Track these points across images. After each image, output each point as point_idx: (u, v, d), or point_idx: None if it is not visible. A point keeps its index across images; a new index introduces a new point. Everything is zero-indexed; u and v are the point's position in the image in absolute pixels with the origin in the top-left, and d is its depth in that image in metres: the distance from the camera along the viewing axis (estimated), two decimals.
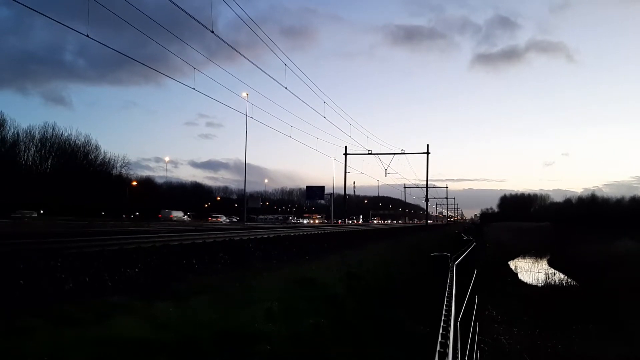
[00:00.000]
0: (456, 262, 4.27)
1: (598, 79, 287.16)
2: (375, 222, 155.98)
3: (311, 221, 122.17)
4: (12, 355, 5.85)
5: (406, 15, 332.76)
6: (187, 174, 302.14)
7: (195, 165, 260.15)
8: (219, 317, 8.38)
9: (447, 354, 1.80)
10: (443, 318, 2.21)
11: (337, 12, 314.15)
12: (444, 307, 2.48)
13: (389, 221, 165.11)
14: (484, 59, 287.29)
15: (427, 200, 75.03)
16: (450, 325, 2.07)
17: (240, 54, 25.35)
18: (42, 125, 76.57)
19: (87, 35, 15.85)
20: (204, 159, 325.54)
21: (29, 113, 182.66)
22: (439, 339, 1.88)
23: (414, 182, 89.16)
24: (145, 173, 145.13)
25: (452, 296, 2.84)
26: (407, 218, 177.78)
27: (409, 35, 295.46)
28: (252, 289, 11.13)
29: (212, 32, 19.83)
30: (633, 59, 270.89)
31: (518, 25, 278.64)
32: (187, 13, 17.80)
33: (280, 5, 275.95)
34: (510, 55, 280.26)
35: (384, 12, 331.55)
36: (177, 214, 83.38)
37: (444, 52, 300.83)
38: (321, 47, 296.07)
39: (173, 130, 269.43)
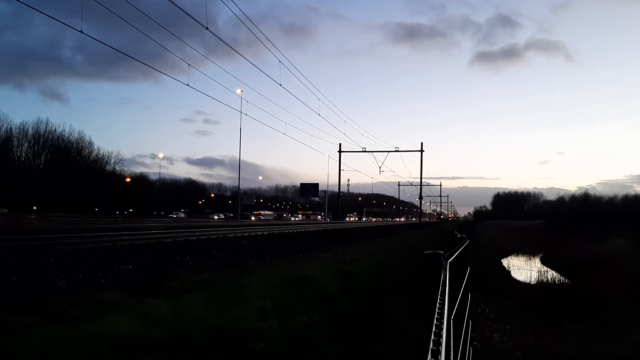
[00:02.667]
0: (449, 260, 4.28)
1: (596, 78, 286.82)
2: (351, 219, 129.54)
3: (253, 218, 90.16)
4: (4, 352, 5.82)
5: (408, 14, 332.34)
6: (183, 171, 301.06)
7: (190, 162, 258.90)
8: (212, 315, 8.38)
9: (439, 352, 1.81)
10: (436, 316, 2.22)
11: (339, 10, 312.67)
12: (437, 305, 2.49)
13: (373, 219, 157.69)
14: (484, 58, 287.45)
15: (420, 198, 75.33)
16: (443, 324, 2.08)
17: (235, 50, 25.26)
18: (35, 121, 76.23)
19: (81, 31, 15.77)
20: (200, 155, 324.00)
21: (26, 109, 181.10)
22: (432, 337, 1.89)
23: (408, 180, 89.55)
24: (140, 169, 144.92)
25: (445, 294, 2.85)
26: (410, 216, 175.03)
27: (410, 34, 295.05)
28: (245, 287, 11.12)
29: (207, 28, 19.77)
30: (632, 58, 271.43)
31: (519, 24, 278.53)
32: (182, 10, 17.74)
33: (281, 3, 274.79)
34: (510, 54, 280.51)
35: (386, 10, 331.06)
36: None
37: (444, 50, 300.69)
38: (321, 45, 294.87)
39: (170, 127, 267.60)
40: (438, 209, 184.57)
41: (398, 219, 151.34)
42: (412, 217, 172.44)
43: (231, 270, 13.46)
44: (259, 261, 15.83)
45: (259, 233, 22.61)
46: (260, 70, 26.38)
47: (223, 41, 22.85)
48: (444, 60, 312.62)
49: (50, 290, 8.49)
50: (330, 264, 17.14)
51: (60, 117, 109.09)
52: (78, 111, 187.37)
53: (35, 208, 61.77)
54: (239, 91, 39.89)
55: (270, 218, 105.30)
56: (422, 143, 62.08)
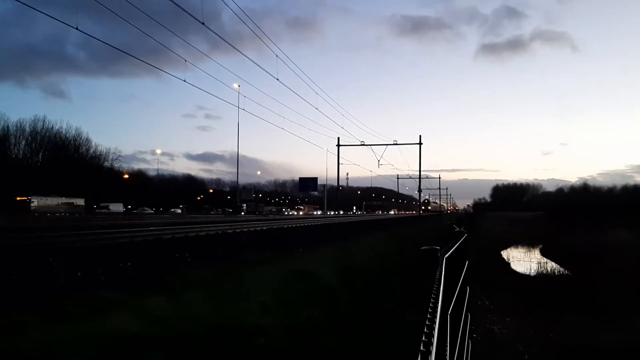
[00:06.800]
0: (446, 256, 4.32)
1: (602, 68, 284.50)
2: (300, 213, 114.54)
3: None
4: (6, 352, 5.85)
5: (414, 6, 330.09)
6: (183, 167, 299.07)
7: (190, 157, 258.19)
8: (214, 311, 8.41)
9: (431, 343, 1.85)
10: (429, 311, 2.26)
11: (345, 3, 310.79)
12: (431, 300, 2.52)
13: (364, 212, 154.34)
14: (489, 49, 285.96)
15: (419, 191, 75.31)
16: (436, 317, 2.11)
17: (231, 45, 25.21)
18: (33, 118, 76.11)
19: (77, 28, 15.75)
20: (201, 151, 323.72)
21: (27, 107, 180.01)
22: (425, 330, 1.93)
23: (407, 172, 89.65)
24: (141, 166, 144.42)
25: (440, 289, 2.88)
26: (419, 210, 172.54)
27: (416, 26, 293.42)
28: (246, 282, 11.16)
29: (203, 23, 19.74)
30: (637, 49, 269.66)
31: (525, 15, 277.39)
32: (178, 5, 17.67)
33: None
34: (515, 45, 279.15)
35: (392, 2, 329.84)
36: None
37: (450, 42, 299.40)
38: (327, 38, 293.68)
39: (171, 123, 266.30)
40: (437, 201, 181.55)
41: (392, 212, 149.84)
42: (413, 210, 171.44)
43: (231, 266, 13.48)
44: (259, 256, 15.86)
45: (258, 228, 22.65)
46: (257, 64, 26.38)
47: (220, 37, 22.81)
48: (449, 52, 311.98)
49: (50, 289, 8.51)
50: (331, 258, 17.19)
51: (62, 114, 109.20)
52: (80, 108, 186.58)
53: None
54: (236, 86, 39.88)
55: (180, 212, 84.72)
56: (420, 136, 61.95)
